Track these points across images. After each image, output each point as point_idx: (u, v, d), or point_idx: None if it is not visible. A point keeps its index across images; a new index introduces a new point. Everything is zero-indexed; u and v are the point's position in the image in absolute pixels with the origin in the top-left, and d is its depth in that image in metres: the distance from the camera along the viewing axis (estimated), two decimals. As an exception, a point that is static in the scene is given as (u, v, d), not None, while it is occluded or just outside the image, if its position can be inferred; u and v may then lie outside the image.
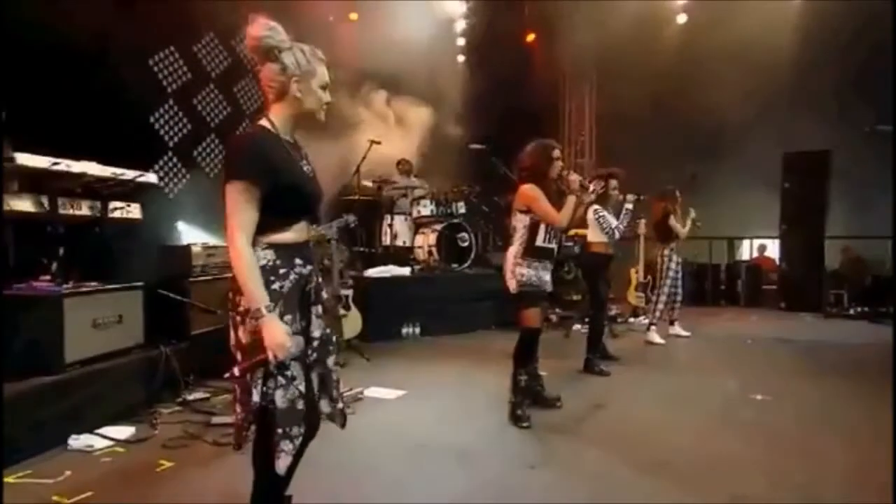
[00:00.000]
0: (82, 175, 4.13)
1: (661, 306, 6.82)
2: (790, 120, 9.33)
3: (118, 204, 4.64)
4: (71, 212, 4.29)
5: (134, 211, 4.81)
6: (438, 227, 7.70)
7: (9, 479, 2.96)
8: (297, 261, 1.98)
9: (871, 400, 4.38)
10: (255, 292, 1.82)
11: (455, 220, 7.83)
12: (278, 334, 1.80)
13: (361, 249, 7.75)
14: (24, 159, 3.96)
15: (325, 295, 2.12)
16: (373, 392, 4.53)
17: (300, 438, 1.90)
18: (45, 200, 4.15)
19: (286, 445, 1.87)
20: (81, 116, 5.20)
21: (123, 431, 3.48)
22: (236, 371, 1.84)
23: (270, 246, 1.92)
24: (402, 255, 7.73)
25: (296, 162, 1.99)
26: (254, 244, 1.90)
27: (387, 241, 7.79)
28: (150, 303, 4.26)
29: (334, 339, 2.08)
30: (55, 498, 2.78)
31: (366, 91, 9.77)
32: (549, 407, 4.14)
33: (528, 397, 3.99)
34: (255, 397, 1.86)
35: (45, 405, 3.37)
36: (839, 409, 4.24)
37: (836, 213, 9.25)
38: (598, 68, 11.72)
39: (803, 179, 9.17)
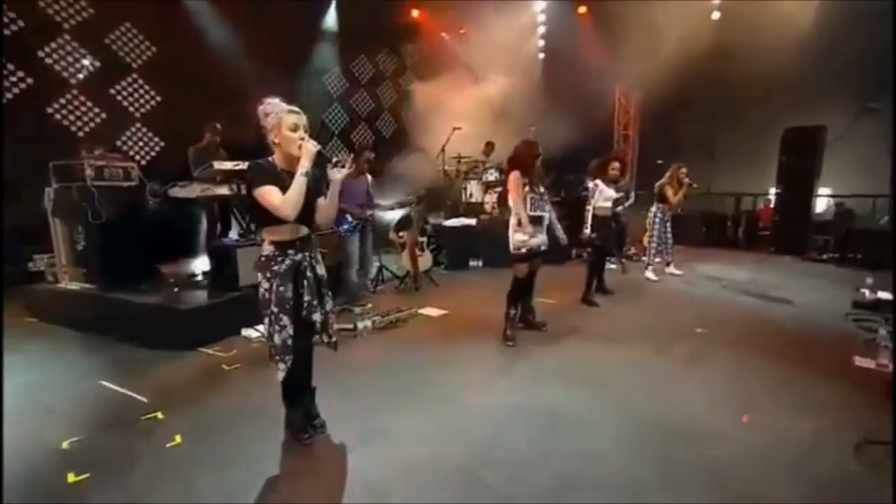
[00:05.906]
0: (253, 170, 4.60)
1: (652, 251, 6.28)
2: (794, 100, 7.70)
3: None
4: (251, 193, 4.88)
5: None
6: (500, 188, 7.53)
7: (207, 351, 3.60)
8: (290, 251, 2.14)
9: (785, 343, 3.86)
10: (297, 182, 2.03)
11: (513, 184, 7.63)
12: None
13: (448, 203, 7.83)
14: (218, 165, 4.53)
15: (319, 272, 2.27)
16: (426, 311, 4.57)
17: (290, 362, 2.16)
18: (234, 187, 4.73)
19: (280, 366, 2.17)
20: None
21: (270, 328, 4.00)
22: None
23: (272, 242, 2.13)
24: (475, 209, 7.69)
25: (287, 183, 2.05)
26: (263, 240, 2.13)
27: (465, 198, 7.80)
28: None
29: (315, 302, 2.22)
30: (223, 366, 3.34)
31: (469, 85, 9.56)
32: (537, 329, 4.06)
33: (517, 323, 3.93)
34: (265, 335, 2.20)
35: (229, 310, 3.96)
36: (759, 343, 3.75)
37: (831, 174, 7.66)
38: (641, 69, 10.06)
39: (801, 149, 7.58)
